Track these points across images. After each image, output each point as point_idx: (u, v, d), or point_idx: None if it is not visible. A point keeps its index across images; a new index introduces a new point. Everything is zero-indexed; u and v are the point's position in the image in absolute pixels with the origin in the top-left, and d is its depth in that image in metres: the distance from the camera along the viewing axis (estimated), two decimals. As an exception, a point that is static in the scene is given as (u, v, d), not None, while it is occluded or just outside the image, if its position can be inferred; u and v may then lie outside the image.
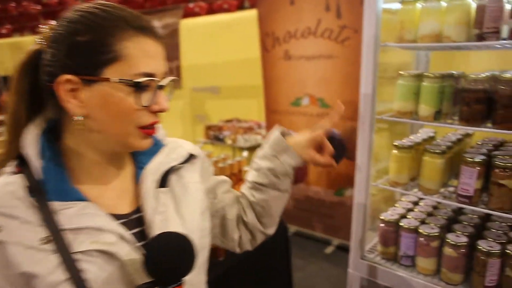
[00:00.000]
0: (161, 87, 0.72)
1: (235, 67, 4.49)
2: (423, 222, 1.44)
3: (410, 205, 1.59)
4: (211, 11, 4.92)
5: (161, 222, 0.75)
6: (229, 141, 4.17)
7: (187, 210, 0.81)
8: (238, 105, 4.57)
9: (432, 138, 1.59)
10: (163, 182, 0.80)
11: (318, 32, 3.40)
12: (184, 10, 4.76)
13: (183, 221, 0.79)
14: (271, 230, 1.01)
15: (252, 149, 4.36)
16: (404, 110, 1.38)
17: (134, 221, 0.76)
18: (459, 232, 1.35)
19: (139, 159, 0.81)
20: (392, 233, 1.46)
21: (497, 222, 1.42)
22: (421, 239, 1.37)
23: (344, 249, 3.67)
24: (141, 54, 0.68)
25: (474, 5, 1.23)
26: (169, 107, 0.74)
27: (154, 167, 0.80)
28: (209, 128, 4.29)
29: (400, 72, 1.38)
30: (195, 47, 4.69)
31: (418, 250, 1.40)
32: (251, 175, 0.98)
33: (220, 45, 4.52)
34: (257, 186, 0.96)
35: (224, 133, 4.21)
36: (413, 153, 1.43)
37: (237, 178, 2.63)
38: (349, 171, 3.57)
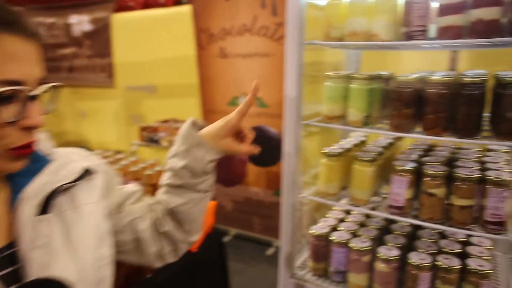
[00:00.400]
0: (33, 98, 0.58)
1: (171, 65, 4.22)
2: (354, 234, 1.32)
3: (342, 215, 1.48)
4: (146, 5, 4.60)
5: (41, 258, 0.59)
6: (165, 143, 3.92)
7: (80, 238, 0.65)
8: (176, 104, 4.32)
9: (363, 143, 1.48)
10: (47, 206, 0.63)
11: (254, 29, 3.25)
12: (118, 4, 4.41)
13: (74, 254, 0.63)
14: (195, 237, 0.87)
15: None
16: (333, 114, 1.25)
17: (6, 258, 0.59)
18: (390, 244, 1.25)
19: (16, 181, 0.63)
20: (323, 248, 1.33)
21: (427, 230, 1.34)
22: (352, 254, 1.26)
23: (284, 250, 3.57)
24: (3, 57, 0.53)
25: (402, 2, 1.13)
26: (43, 122, 0.59)
27: (35, 190, 0.63)
28: (143, 129, 4.01)
29: (327, 73, 1.25)
30: (129, 44, 4.37)
31: (349, 266, 1.28)
32: (165, 177, 0.83)
33: (155, 41, 4.23)
34: (172, 189, 0.82)
35: (160, 134, 3.95)
36: (343, 161, 1.31)
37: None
38: (288, 171, 3.48)
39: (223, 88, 3.54)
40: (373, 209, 1.28)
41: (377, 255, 1.21)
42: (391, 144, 1.43)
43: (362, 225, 1.39)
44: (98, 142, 4.63)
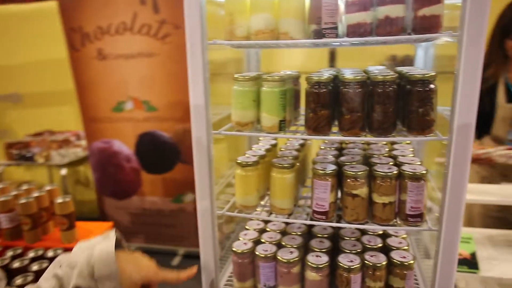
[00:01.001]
0: None
1: (39, 69, 3.64)
2: (279, 245, 1.23)
3: (262, 224, 1.37)
4: (3, 0, 3.87)
5: None
6: (41, 159, 3.37)
7: None
8: (49, 114, 3.75)
9: (274, 147, 1.39)
10: None
11: (135, 27, 2.94)
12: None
13: None
14: None
15: (71, 164, 3.64)
16: (245, 120, 1.12)
17: None
18: (317, 250, 1.19)
19: None
20: (248, 265, 1.21)
21: (349, 228, 1.31)
22: (281, 266, 1.16)
23: (191, 257, 3.38)
24: None
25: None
26: None
27: None
28: (10, 146, 3.38)
29: (235, 75, 1.11)
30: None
31: (279, 280, 1.18)
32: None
33: (18, 42, 3.60)
34: None
35: (33, 150, 3.38)
36: (260, 169, 1.20)
37: (48, 213, 2.03)
38: (185, 176, 3.28)
39: (106, 93, 3.16)
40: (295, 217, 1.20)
41: (307, 263, 1.13)
42: (302, 146, 1.37)
43: (283, 233, 1.31)
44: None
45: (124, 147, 3.25)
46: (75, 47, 3.09)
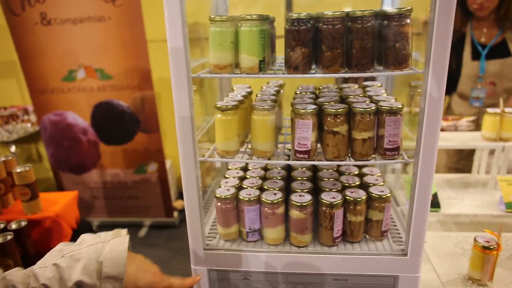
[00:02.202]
0: None
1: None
2: (262, 189, 1.23)
3: (241, 173, 1.37)
4: None
5: None
6: (-15, 137, 3.11)
7: None
8: (-9, 88, 3.43)
9: (251, 94, 1.37)
10: None
11: (81, -11, 2.73)
12: None
13: None
14: None
15: (21, 141, 3.39)
16: (223, 63, 1.09)
17: None
18: (299, 190, 1.21)
19: None
20: (232, 211, 1.20)
21: (326, 171, 1.34)
22: (266, 208, 1.17)
23: (157, 227, 3.33)
24: None
25: None
26: None
27: None
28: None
29: (211, 16, 1.07)
30: None
31: (264, 222, 1.19)
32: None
33: None
34: None
35: (-24, 127, 3.10)
36: (240, 114, 1.18)
37: (6, 185, 1.89)
38: (147, 145, 3.18)
39: (54, 62, 2.94)
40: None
41: (292, 202, 1.15)
42: (278, 92, 1.36)
43: (264, 179, 1.31)
44: None
45: (79, 118, 3.07)
46: (13, 12, 2.82)
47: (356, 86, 1.41)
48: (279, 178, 1.29)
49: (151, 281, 0.84)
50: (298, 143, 1.12)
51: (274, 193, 1.19)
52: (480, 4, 2.01)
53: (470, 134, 1.95)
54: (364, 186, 1.25)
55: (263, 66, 1.08)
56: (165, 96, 3.37)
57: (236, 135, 1.17)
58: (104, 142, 3.15)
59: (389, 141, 1.09)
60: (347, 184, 1.24)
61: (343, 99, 1.22)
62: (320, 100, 1.19)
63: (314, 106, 1.12)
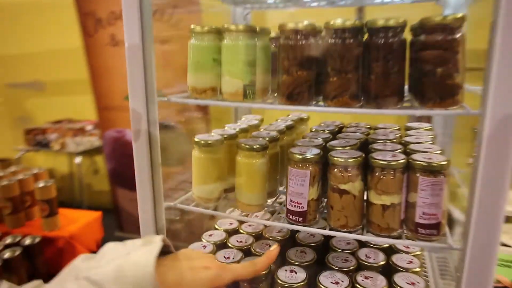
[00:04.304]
0: None
1: (61, 57, 3.53)
2: (248, 252, 0.92)
3: (235, 224, 1.07)
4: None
5: None
6: (56, 146, 3.24)
7: None
8: (69, 103, 3.63)
9: (256, 128, 1.08)
10: None
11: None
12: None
13: None
14: None
15: (87, 153, 3.49)
16: (202, 86, 0.83)
17: None
18: (295, 262, 0.87)
19: None
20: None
21: (341, 237, 0.97)
22: (243, 281, 0.85)
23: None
24: None
25: None
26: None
27: None
28: (29, 132, 3.28)
29: (192, 26, 0.82)
30: (7, 33, 3.58)
31: (240, 300, 0.87)
32: None
33: (36, 29, 3.51)
34: None
35: (50, 136, 3.26)
36: (225, 152, 0.90)
37: (33, 198, 1.83)
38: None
39: (118, 80, 2.96)
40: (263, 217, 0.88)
41: (277, 280, 0.81)
42: (291, 127, 1.05)
43: (259, 236, 0.99)
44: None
45: (136, 137, 3.05)
46: (88, 33, 2.93)
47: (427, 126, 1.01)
48: (278, 238, 0.96)
49: (207, 278, 0.60)
50: (291, 201, 0.79)
51: (257, 262, 0.86)
52: None
53: None
54: (389, 269, 0.86)
55: (251, 92, 0.79)
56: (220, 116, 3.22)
57: (217, 178, 0.88)
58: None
59: (423, 213, 0.71)
60: (365, 263, 0.86)
61: (366, 144, 0.87)
62: (332, 142, 0.85)
63: (316, 151, 0.79)
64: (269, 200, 0.93)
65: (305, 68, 0.73)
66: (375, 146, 0.81)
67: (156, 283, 0.54)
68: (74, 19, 2.96)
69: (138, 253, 0.57)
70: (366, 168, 0.76)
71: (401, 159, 0.72)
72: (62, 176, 3.73)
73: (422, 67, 0.67)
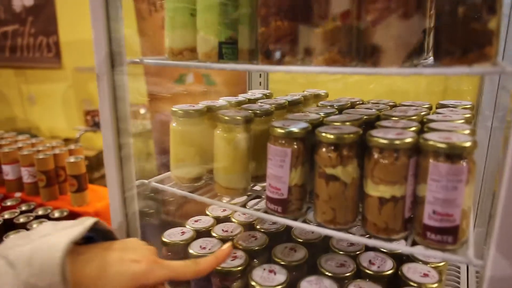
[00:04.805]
0: None
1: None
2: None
3: (228, 211, 0.93)
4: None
5: None
6: (111, 128, 3.37)
7: None
8: (130, 86, 3.76)
9: (253, 101, 0.92)
10: None
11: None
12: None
13: None
14: None
15: (139, 135, 3.58)
16: (178, 46, 0.70)
17: None
18: (279, 261, 0.71)
19: None
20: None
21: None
22: (215, 278, 0.72)
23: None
24: None
25: None
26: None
27: None
28: (88, 113, 3.45)
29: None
30: (76, 20, 3.78)
31: (210, 297, 0.74)
32: None
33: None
34: None
35: (106, 118, 3.39)
36: (207, 126, 0.77)
37: (65, 173, 1.87)
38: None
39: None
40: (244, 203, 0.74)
41: (251, 282, 0.67)
42: (297, 103, 0.88)
43: (249, 227, 0.85)
44: (49, 130, 4.08)
45: (182, 121, 3.05)
46: (143, 16, 2.96)
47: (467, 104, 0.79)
48: (271, 230, 0.81)
49: (134, 272, 0.50)
50: (270, 185, 0.64)
51: (232, 257, 0.72)
52: None
53: None
54: (396, 282, 0.67)
55: (227, 51, 0.65)
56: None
57: (196, 155, 0.76)
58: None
59: (434, 211, 0.52)
60: (365, 271, 0.68)
61: (374, 120, 0.68)
62: (330, 117, 0.67)
63: (303, 125, 0.62)
64: (257, 186, 0.78)
65: (287, 17, 0.57)
66: (383, 123, 0.63)
67: (64, 270, 0.44)
68: (131, 4, 3.02)
69: (58, 235, 0.48)
70: (361, 148, 0.58)
71: (408, 137, 0.53)
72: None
73: (439, 5, 0.48)
